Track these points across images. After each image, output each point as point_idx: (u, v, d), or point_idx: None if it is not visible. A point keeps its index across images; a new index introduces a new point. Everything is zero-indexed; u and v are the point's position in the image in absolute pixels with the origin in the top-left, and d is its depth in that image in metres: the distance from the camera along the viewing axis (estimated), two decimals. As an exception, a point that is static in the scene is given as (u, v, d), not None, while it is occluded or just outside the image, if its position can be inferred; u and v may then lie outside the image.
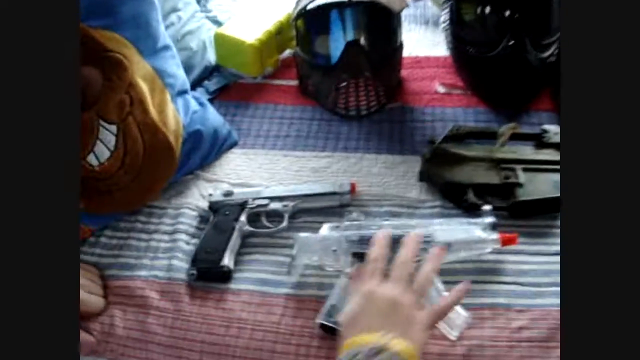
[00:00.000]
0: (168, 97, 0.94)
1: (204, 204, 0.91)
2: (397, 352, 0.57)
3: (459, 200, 0.87)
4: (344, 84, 1.02)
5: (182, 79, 0.99)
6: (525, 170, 0.89)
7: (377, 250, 0.71)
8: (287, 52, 1.19)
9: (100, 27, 0.87)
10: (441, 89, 1.09)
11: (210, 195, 0.91)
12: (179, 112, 0.95)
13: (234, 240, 0.84)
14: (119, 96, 0.87)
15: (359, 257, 0.77)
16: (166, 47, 0.96)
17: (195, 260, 0.83)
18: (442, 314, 0.68)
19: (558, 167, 0.89)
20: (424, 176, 0.91)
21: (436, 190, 0.90)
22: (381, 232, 0.75)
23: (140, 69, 0.90)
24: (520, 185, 0.87)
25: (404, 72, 1.13)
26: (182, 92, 0.99)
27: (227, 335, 0.76)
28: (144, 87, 0.90)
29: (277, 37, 1.14)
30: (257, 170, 0.97)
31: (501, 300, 0.77)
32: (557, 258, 0.81)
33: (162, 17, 0.96)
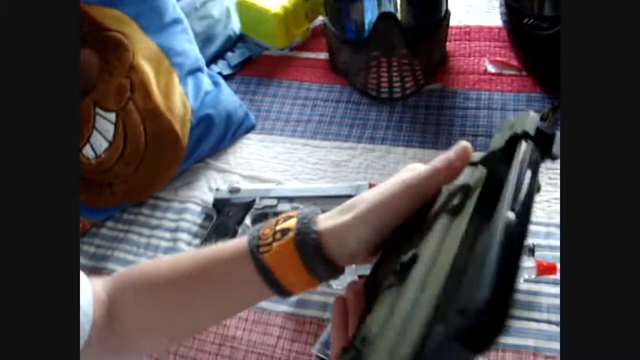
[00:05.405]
0: (175, 78, 0.86)
1: (211, 198, 0.83)
2: None
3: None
4: (375, 62, 0.89)
5: (193, 56, 0.90)
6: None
7: None
8: (320, 19, 1.05)
9: (98, 3, 0.79)
10: (491, 68, 0.93)
11: (217, 190, 0.83)
12: (188, 95, 0.87)
13: (236, 246, 0.77)
14: (119, 81, 0.80)
15: (367, 278, 0.68)
16: (175, 21, 0.87)
17: (192, 267, 0.76)
18: None
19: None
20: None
21: (469, 197, 0.78)
22: None
23: (143, 49, 0.82)
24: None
25: (450, 45, 0.97)
26: (194, 71, 0.90)
27: (219, 355, 0.70)
28: (147, 69, 0.82)
29: (306, 3, 1.01)
30: (272, 161, 0.88)
31: (529, 342, 0.65)
32: (606, 293, 0.68)
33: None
